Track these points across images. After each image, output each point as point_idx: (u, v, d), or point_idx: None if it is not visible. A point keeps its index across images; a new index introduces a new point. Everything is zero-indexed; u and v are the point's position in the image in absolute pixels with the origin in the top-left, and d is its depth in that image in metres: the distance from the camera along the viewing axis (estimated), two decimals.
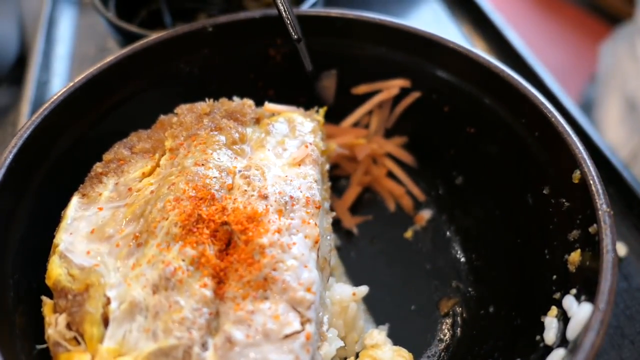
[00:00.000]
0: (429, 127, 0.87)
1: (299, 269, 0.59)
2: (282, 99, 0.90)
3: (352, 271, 0.84)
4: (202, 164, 0.66)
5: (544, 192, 0.70)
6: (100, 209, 0.66)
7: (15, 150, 0.66)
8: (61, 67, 1.24)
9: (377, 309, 0.80)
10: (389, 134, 0.92)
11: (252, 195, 0.63)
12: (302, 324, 0.57)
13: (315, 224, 0.63)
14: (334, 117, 0.92)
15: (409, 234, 0.88)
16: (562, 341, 0.56)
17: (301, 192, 0.65)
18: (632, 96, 1.25)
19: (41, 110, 0.70)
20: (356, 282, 0.80)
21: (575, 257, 0.62)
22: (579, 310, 0.56)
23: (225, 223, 0.61)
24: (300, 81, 0.91)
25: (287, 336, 0.55)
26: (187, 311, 0.56)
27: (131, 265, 0.59)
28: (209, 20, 0.83)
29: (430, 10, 1.41)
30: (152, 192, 0.65)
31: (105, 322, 0.57)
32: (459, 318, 0.77)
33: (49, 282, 0.61)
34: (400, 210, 0.91)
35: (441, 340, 0.76)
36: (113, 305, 0.57)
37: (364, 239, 0.88)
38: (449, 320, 0.77)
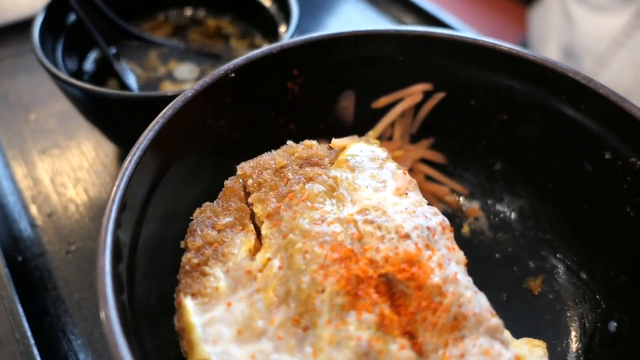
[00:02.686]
0: (456, 123, 0.89)
1: (476, 296, 0.57)
2: (303, 130, 0.86)
3: None
4: (322, 221, 0.60)
5: (606, 157, 0.75)
6: (229, 304, 0.57)
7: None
8: None
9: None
10: (414, 138, 0.92)
11: (393, 238, 0.59)
12: (506, 348, 0.55)
13: (458, 248, 0.62)
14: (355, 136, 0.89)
15: (465, 229, 0.89)
16: None
17: (431, 220, 0.63)
18: (567, 46, 1.41)
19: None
20: None
21: None
22: None
23: (382, 275, 0.57)
24: (316, 108, 0.87)
25: None
26: None
27: (311, 354, 0.53)
28: (227, 65, 0.75)
29: (355, 9, 1.43)
30: (280, 267, 0.58)
31: None
32: (555, 294, 0.80)
33: None
34: (449, 209, 0.92)
35: (550, 319, 0.78)
36: None
37: None
38: (547, 299, 0.80)
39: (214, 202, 0.67)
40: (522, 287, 0.83)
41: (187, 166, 0.74)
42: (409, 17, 1.37)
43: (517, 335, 0.74)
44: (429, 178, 0.92)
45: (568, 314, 0.78)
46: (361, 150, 0.72)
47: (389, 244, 0.59)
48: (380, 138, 0.91)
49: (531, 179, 0.87)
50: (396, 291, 0.57)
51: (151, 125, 0.68)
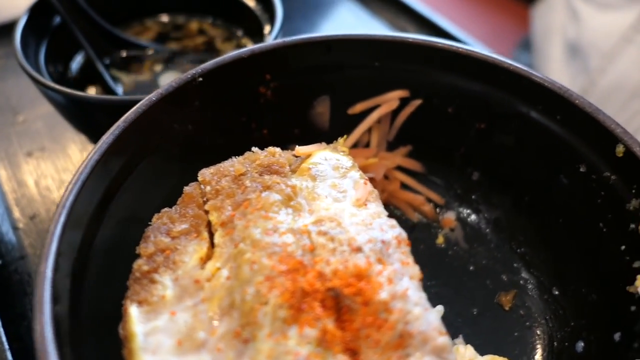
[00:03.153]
0: (434, 130, 0.87)
1: (425, 314, 0.56)
2: (277, 135, 0.85)
3: None
4: (274, 232, 0.59)
5: (581, 170, 0.73)
6: (173, 313, 0.56)
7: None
8: None
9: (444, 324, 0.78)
10: (391, 146, 0.91)
11: (344, 251, 0.58)
12: None
13: (414, 262, 0.60)
14: (331, 142, 0.88)
15: (440, 240, 0.88)
16: None
17: (387, 233, 0.61)
18: (573, 43, 1.38)
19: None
20: None
21: None
22: None
23: (330, 289, 0.55)
24: (291, 114, 0.86)
25: None
26: None
27: None
28: (194, 70, 0.74)
29: (348, 11, 1.42)
30: (227, 277, 0.57)
31: None
32: (526, 309, 0.79)
33: None
34: (424, 218, 0.90)
35: (519, 335, 0.77)
36: None
37: None
38: (517, 314, 0.78)
39: (172, 208, 0.67)
40: (493, 301, 0.81)
41: (151, 170, 0.73)
42: (403, 20, 1.35)
43: (483, 351, 0.73)
44: (405, 186, 0.91)
45: (537, 332, 0.76)
46: (325, 159, 0.71)
47: (340, 257, 0.58)
48: (356, 145, 0.90)
49: (508, 190, 0.85)
50: (343, 306, 0.56)
51: (112, 128, 0.67)
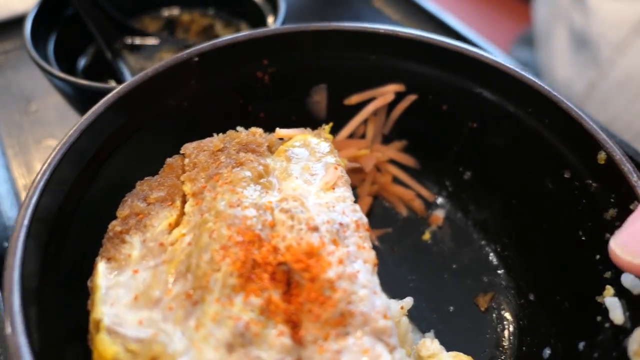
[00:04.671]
0: (428, 127, 0.88)
1: (371, 297, 0.57)
2: (274, 120, 0.87)
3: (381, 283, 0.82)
4: (237, 205, 0.61)
5: (565, 175, 0.72)
6: (136, 271, 0.60)
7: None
8: None
9: (415, 316, 0.79)
10: (386, 139, 0.91)
11: (301, 229, 0.60)
12: (390, 352, 0.55)
13: (370, 247, 0.61)
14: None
15: (426, 236, 0.88)
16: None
17: (347, 216, 0.63)
18: (580, 32, 1.32)
19: (38, 179, 0.63)
20: (388, 294, 0.79)
21: None
22: None
23: (282, 263, 0.57)
24: (289, 100, 0.88)
25: None
26: None
27: (193, 327, 0.54)
28: (192, 50, 0.78)
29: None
30: (189, 243, 0.60)
31: None
32: (501, 312, 0.78)
33: None
34: (413, 214, 0.90)
35: (490, 337, 0.76)
36: None
37: (383, 248, 0.87)
38: (491, 316, 0.78)
39: (154, 177, 0.70)
40: (471, 301, 0.80)
41: (145, 142, 0.77)
42: (411, 19, 1.35)
43: (452, 348, 0.73)
44: (397, 181, 0.91)
45: (508, 335, 0.76)
46: (304, 143, 0.73)
47: (296, 234, 0.59)
48: (352, 135, 0.91)
49: (497, 192, 0.84)
50: (293, 281, 0.57)
51: (108, 96, 0.72)
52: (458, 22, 1.18)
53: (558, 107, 0.71)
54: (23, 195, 1.08)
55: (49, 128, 1.21)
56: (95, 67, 1.13)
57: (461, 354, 0.71)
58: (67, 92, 0.97)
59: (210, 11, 1.23)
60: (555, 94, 0.71)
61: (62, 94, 0.99)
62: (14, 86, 1.29)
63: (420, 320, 0.79)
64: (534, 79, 0.73)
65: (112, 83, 1.08)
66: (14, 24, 1.37)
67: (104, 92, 0.87)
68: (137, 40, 1.12)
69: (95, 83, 0.91)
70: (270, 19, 1.07)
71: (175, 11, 1.25)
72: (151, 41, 1.14)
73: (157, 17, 1.24)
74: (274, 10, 1.05)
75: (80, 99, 0.97)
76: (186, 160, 0.69)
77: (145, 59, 1.13)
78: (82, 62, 1.14)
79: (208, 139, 0.72)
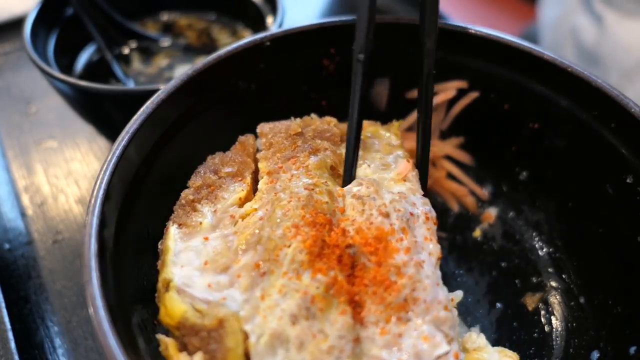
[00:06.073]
0: (488, 125, 0.88)
1: (434, 287, 0.58)
2: (335, 109, 0.89)
3: None
4: (312, 188, 0.64)
5: (627, 181, 0.72)
6: (206, 238, 0.63)
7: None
8: None
9: (461, 311, 0.80)
10: (444, 135, 0.92)
11: (372, 214, 0.62)
12: (448, 343, 0.56)
13: (437, 241, 0.63)
14: (386, 123, 0.91)
15: (477, 233, 0.89)
16: None
17: (418, 208, 0.64)
18: (590, 51, 1.27)
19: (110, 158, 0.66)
20: None
21: None
22: None
23: (349, 245, 0.59)
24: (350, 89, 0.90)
25: (438, 357, 0.55)
26: (332, 339, 0.54)
27: (259, 297, 0.57)
28: (265, 34, 0.81)
29: None
30: (261, 218, 0.63)
31: (246, 357, 0.55)
32: (549, 312, 0.78)
33: (170, 320, 0.57)
34: (465, 210, 0.91)
35: (537, 336, 0.77)
36: (252, 339, 0.55)
37: None
38: (539, 316, 0.78)
39: (226, 152, 0.73)
40: (518, 300, 0.81)
41: (213, 120, 0.80)
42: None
43: (497, 344, 0.74)
44: (451, 177, 0.92)
45: (556, 336, 0.76)
46: (376, 134, 0.75)
47: (365, 219, 0.61)
48: (411, 129, 0.92)
49: (553, 195, 0.84)
50: (359, 264, 0.59)
51: (181, 75, 0.75)
52: (458, 22, 1.18)
53: (627, 112, 0.70)
54: (23, 196, 1.08)
55: (49, 129, 1.20)
56: (95, 68, 1.12)
57: (507, 350, 0.72)
58: (66, 93, 0.97)
59: (208, 14, 1.23)
60: (624, 97, 0.71)
61: (61, 95, 0.99)
62: (14, 88, 1.28)
63: (466, 314, 0.80)
64: (603, 82, 0.73)
65: (112, 84, 1.08)
66: (14, 25, 1.36)
67: (104, 93, 0.89)
68: (137, 42, 1.12)
69: (95, 84, 0.91)
70: (269, 20, 1.08)
71: (173, 15, 1.25)
72: (151, 42, 1.14)
73: (157, 20, 1.24)
74: (273, 10, 1.06)
75: (80, 100, 0.97)
76: (263, 140, 0.72)
77: (145, 59, 1.14)
78: (81, 63, 1.13)
79: (284, 122, 0.75)
